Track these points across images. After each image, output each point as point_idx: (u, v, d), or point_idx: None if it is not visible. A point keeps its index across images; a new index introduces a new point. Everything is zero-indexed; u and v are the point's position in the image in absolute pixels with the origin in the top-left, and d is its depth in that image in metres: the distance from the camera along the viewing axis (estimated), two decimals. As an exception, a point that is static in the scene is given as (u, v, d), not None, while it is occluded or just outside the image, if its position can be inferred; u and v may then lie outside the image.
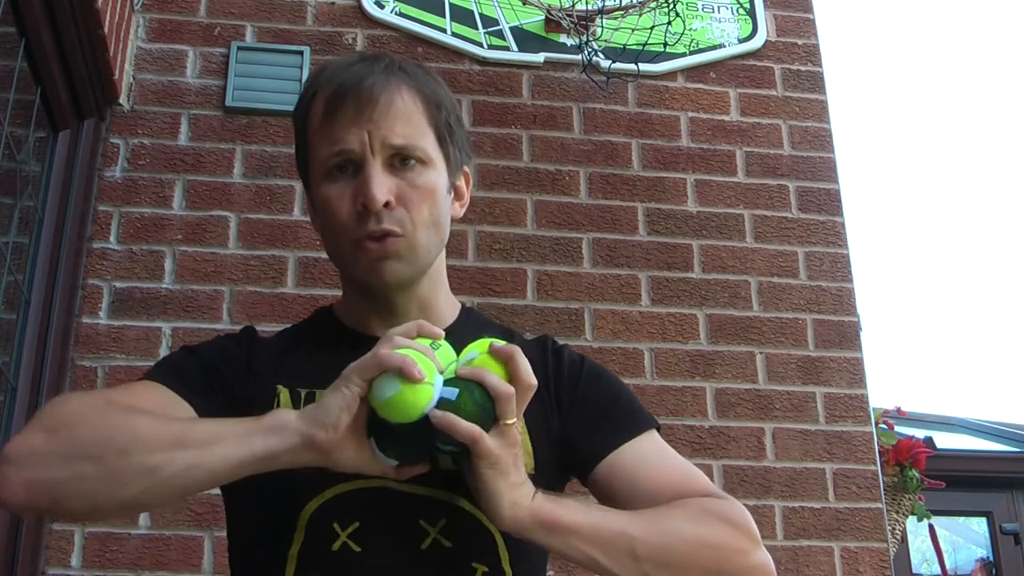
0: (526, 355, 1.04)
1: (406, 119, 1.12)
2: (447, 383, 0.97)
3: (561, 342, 1.26)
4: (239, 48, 2.73)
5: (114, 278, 2.49)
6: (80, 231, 2.49)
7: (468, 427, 0.95)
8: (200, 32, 2.75)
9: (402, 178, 1.11)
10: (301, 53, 2.75)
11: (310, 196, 1.20)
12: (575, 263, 2.69)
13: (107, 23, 2.38)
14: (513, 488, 0.98)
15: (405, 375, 0.94)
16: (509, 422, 0.97)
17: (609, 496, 1.13)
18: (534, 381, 1.00)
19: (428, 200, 1.13)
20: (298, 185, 2.62)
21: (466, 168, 1.23)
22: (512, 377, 0.98)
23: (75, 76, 2.40)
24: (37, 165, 2.39)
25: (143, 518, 2.29)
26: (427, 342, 1.00)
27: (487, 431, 0.96)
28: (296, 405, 1.10)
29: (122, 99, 2.63)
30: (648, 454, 1.15)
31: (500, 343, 1.00)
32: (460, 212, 1.22)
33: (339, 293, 1.28)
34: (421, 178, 1.12)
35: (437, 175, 1.15)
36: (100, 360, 2.41)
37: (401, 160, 1.12)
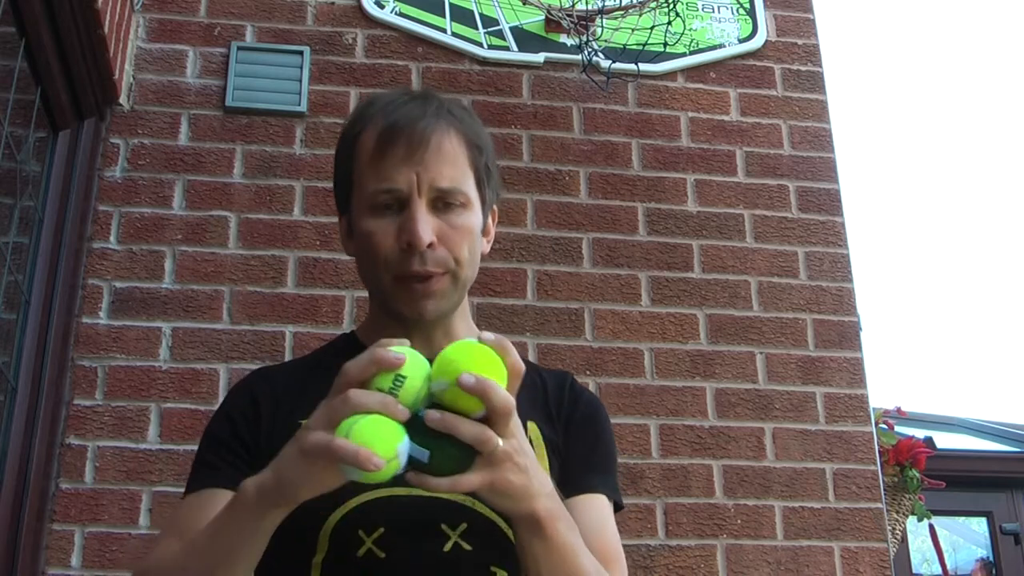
0: (549, 386, 1.06)
1: (452, 163, 1.17)
2: (416, 438, 0.90)
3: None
4: (239, 48, 2.73)
5: (114, 278, 2.49)
6: (80, 231, 2.49)
7: (447, 484, 0.91)
8: (200, 32, 2.75)
9: (444, 219, 1.16)
10: (301, 53, 2.75)
11: (348, 222, 1.24)
12: (575, 263, 2.69)
13: (107, 23, 2.38)
14: (530, 500, 0.97)
15: (362, 468, 0.88)
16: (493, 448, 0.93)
17: None
18: (512, 402, 0.93)
19: (467, 240, 1.18)
20: (298, 185, 2.62)
21: (495, 207, 1.29)
22: (489, 409, 0.92)
23: (75, 76, 2.40)
24: (37, 165, 2.39)
25: (143, 518, 2.29)
26: (389, 380, 0.91)
27: (469, 469, 0.92)
28: None
29: (122, 99, 2.63)
30: (598, 515, 1.18)
31: (470, 377, 0.90)
32: (487, 248, 1.27)
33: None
34: (461, 219, 1.17)
35: (475, 216, 1.20)
36: (100, 360, 2.42)
37: (444, 203, 1.16)
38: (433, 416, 0.90)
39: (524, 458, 0.95)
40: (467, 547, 1.08)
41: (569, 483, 1.16)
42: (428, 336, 1.20)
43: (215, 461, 1.16)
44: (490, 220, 1.27)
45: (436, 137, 1.16)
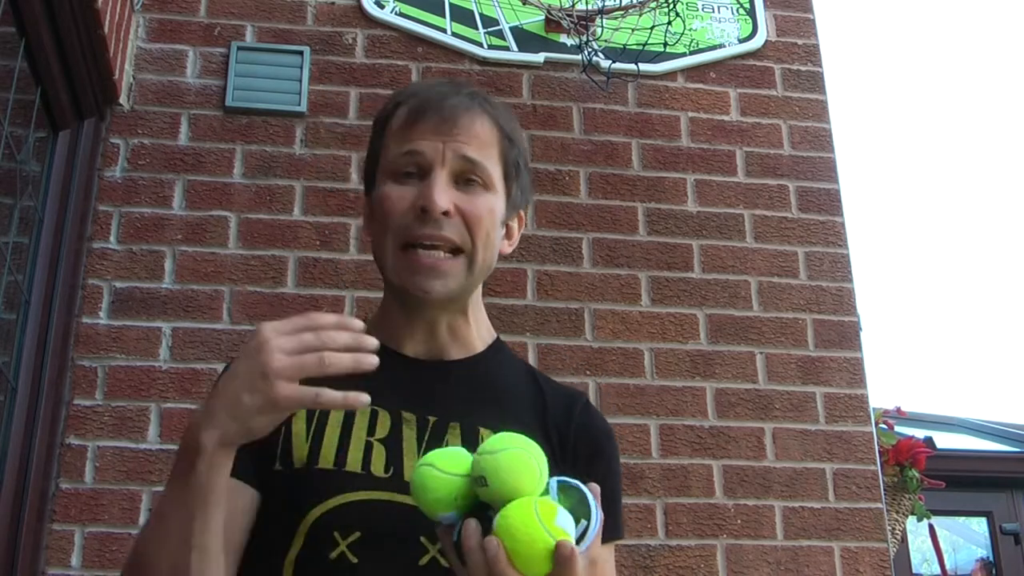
0: (550, 402, 1.04)
1: (480, 143, 1.15)
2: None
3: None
4: (239, 48, 2.74)
5: (114, 278, 2.49)
6: (80, 231, 2.49)
7: None
8: (200, 32, 2.75)
9: (465, 194, 1.14)
10: (301, 53, 2.75)
11: (369, 199, 1.21)
12: (575, 263, 2.69)
13: (107, 23, 2.38)
14: None
15: None
16: None
17: None
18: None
19: (486, 221, 1.15)
20: (298, 185, 2.62)
21: (521, 212, 1.25)
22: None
23: (75, 76, 2.40)
24: (37, 165, 2.39)
25: (143, 518, 2.29)
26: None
27: None
28: (310, 423, 1.12)
29: (122, 99, 2.63)
30: (601, 565, 1.13)
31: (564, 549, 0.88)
32: (508, 250, 1.23)
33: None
34: (481, 199, 1.15)
35: (498, 201, 1.17)
36: (100, 360, 2.42)
37: (466, 180, 1.14)
38: None
39: None
40: (444, 564, 1.03)
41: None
42: (431, 329, 1.18)
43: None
44: (515, 223, 1.24)
45: (467, 116, 1.15)
